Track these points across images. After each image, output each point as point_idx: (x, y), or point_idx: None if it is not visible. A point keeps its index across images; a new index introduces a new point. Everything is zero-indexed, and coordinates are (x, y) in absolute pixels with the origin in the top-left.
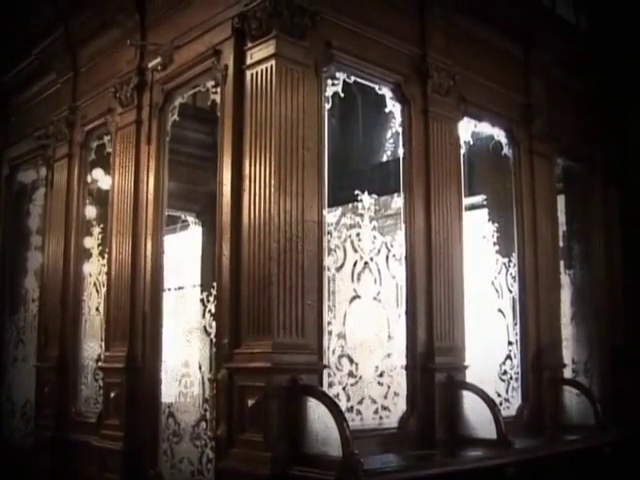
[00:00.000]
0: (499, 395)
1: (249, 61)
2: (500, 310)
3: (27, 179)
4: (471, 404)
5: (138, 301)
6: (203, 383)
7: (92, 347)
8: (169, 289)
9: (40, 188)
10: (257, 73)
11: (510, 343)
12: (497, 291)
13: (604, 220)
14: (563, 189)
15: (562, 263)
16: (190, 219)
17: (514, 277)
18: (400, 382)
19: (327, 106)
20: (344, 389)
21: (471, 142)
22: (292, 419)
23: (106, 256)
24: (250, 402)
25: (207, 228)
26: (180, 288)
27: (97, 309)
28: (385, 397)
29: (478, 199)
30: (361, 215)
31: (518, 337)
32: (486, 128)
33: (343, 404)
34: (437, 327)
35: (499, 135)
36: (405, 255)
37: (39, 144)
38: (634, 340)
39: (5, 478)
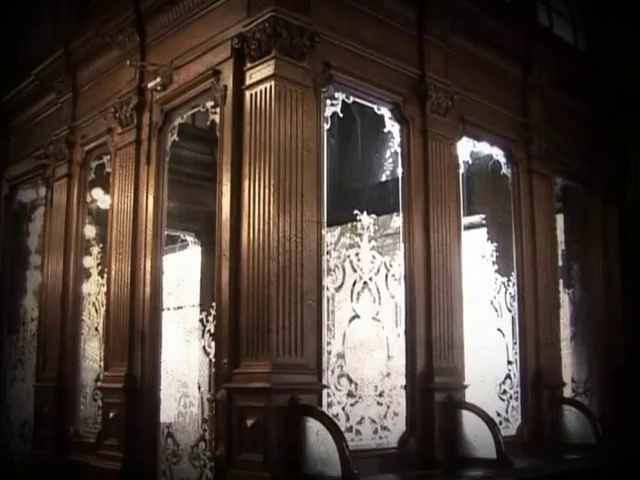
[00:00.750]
0: (499, 415)
1: (248, 81)
2: (499, 329)
3: (26, 198)
4: (471, 424)
5: (137, 321)
6: (202, 403)
7: (91, 367)
8: (168, 309)
9: (39, 207)
10: (256, 93)
11: (510, 362)
12: (496, 310)
13: (603, 239)
14: (562, 208)
15: (561, 282)
16: (189, 239)
17: (513, 296)
18: (399, 402)
19: (326, 126)
20: (343, 409)
21: (470, 162)
22: (291, 439)
23: (105, 276)
24: (249, 422)
25: (206, 248)
26: (179, 308)
27: (96, 329)
28: (384, 417)
29: (477, 218)
30: (360, 235)
31: (518, 356)
32: (485, 148)
33: (342, 424)
34: (436, 347)
35: (498, 155)
36: (404, 275)
37: (39, 164)
38: (634, 359)
39: None
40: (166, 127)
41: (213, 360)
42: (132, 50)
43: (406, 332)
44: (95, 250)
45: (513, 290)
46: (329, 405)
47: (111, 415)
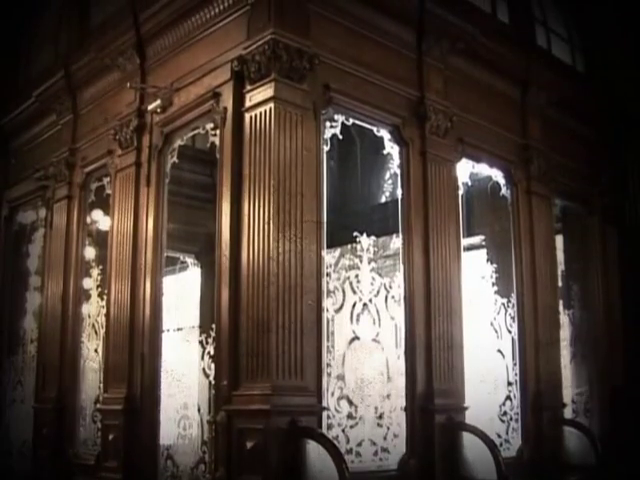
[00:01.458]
0: (499, 436)
1: (248, 104)
2: (499, 350)
3: (26, 220)
4: (471, 445)
5: (137, 342)
6: (202, 425)
7: (91, 388)
8: (168, 330)
9: (39, 229)
10: (256, 116)
11: (510, 384)
12: (496, 331)
13: (602, 259)
14: (561, 229)
15: (561, 303)
16: (189, 260)
17: (513, 317)
18: (399, 423)
19: (326, 148)
20: (343, 431)
21: (469, 183)
22: (291, 461)
23: (105, 297)
24: (249, 444)
25: (206, 269)
26: (179, 329)
27: (96, 350)
28: (384, 439)
29: (477, 240)
30: (360, 256)
31: (518, 377)
32: (484, 169)
33: (342, 446)
34: (436, 368)
35: (497, 176)
36: (404, 296)
37: (39, 185)
38: (633, 380)
39: None
40: (166, 149)
41: (213, 382)
42: (132, 72)
43: (406, 353)
44: (95, 272)
45: (513, 311)
46: (329, 427)
47: (110, 437)
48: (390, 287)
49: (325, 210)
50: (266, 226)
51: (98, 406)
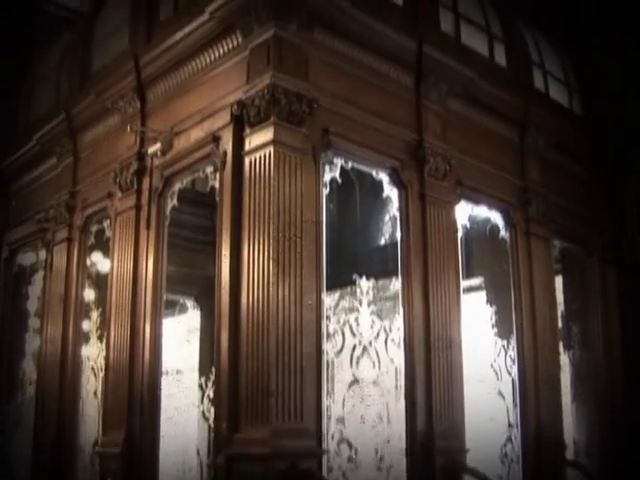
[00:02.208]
0: (500, 478)
1: (248, 147)
2: (500, 392)
3: (26, 262)
4: None
5: (136, 385)
6: (202, 469)
7: (89, 431)
8: (167, 373)
9: (39, 271)
10: (256, 159)
11: (510, 425)
12: (496, 373)
13: (602, 300)
14: (561, 270)
15: (561, 344)
16: (189, 303)
17: (513, 359)
18: (400, 467)
19: (325, 191)
20: (344, 474)
21: (468, 225)
22: None
23: (104, 340)
24: None
25: (205, 312)
26: (178, 372)
27: (95, 393)
28: None
29: (476, 281)
30: (359, 299)
31: (518, 419)
32: (483, 211)
33: None
34: (437, 410)
35: (496, 218)
36: (403, 339)
37: (39, 227)
38: (635, 420)
39: None
40: (166, 192)
41: (212, 425)
42: (133, 115)
43: (406, 396)
44: (94, 314)
45: (513, 353)
46: (329, 470)
47: None
48: (390, 330)
49: (325, 253)
50: (266, 269)
51: (97, 449)
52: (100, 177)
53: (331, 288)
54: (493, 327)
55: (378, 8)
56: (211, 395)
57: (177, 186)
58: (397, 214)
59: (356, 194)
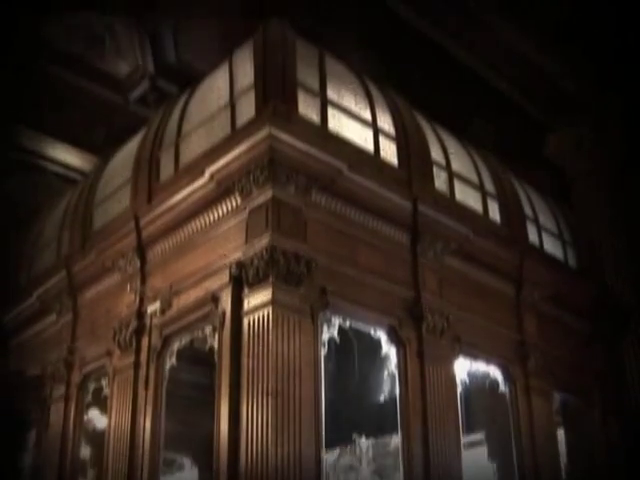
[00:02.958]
0: None
1: (246, 307)
2: None
3: (24, 417)
4: None
5: None
6: None
7: None
8: None
9: (35, 427)
10: (254, 319)
11: None
12: None
13: (606, 451)
14: (562, 422)
15: None
16: (186, 461)
17: None
18: None
19: (323, 350)
20: None
21: (467, 381)
22: None
23: None
24: None
25: (204, 470)
26: None
27: None
28: None
29: (477, 436)
30: (359, 458)
31: None
32: (482, 366)
33: None
34: None
35: (495, 373)
36: None
37: (36, 384)
38: None
39: None
40: (165, 351)
41: None
42: (133, 274)
43: None
44: (90, 473)
45: None
46: None
47: None
48: None
49: (323, 411)
50: (265, 428)
51: None
52: (99, 335)
53: (331, 445)
54: None
55: (374, 169)
56: None
57: (176, 345)
58: (395, 371)
59: (354, 352)
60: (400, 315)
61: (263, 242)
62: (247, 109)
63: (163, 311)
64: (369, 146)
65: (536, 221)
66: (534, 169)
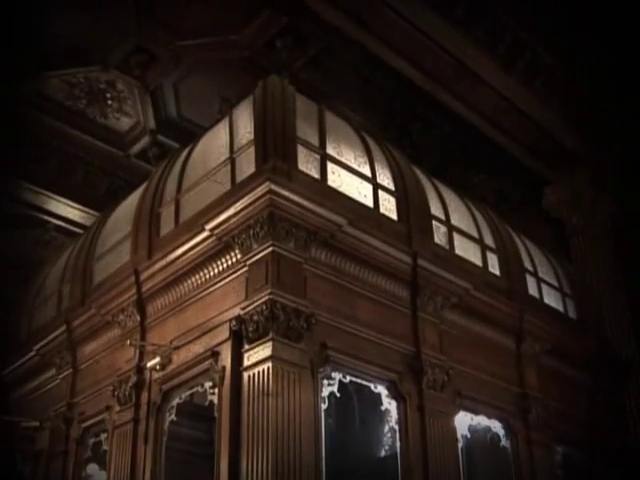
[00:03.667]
0: None
1: (246, 363)
2: None
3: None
4: None
5: None
6: None
7: None
8: None
9: None
10: (254, 374)
11: None
12: None
13: None
14: (564, 475)
15: None
16: None
17: None
18: None
19: (323, 406)
20: None
21: (468, 435)
22: None
23: None
24: None
25: None
26: None
27: None
28: None
29: None
30: None
31: None
32: (483, 420)
33: None
34: None
35: (496, 427)
36: None
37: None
38: None
39: None
40: (164, 406)
41: None
42: (132, 329)
43: None
44: None
45: None
46: None
47: None
48: None
49: (324, 466)
50: None
51: None
52: (98, 390)
53: None
54: None
55: (373, 224)
56: None
57: (175, 401)
58: (396, 426)
59: (355, 406)
60: (400, 370)
61: (263, 297)
62: (247, 165)
63: (163, 366)
64: (369, 201)
65: (536, 274)
66: (533, 222)
